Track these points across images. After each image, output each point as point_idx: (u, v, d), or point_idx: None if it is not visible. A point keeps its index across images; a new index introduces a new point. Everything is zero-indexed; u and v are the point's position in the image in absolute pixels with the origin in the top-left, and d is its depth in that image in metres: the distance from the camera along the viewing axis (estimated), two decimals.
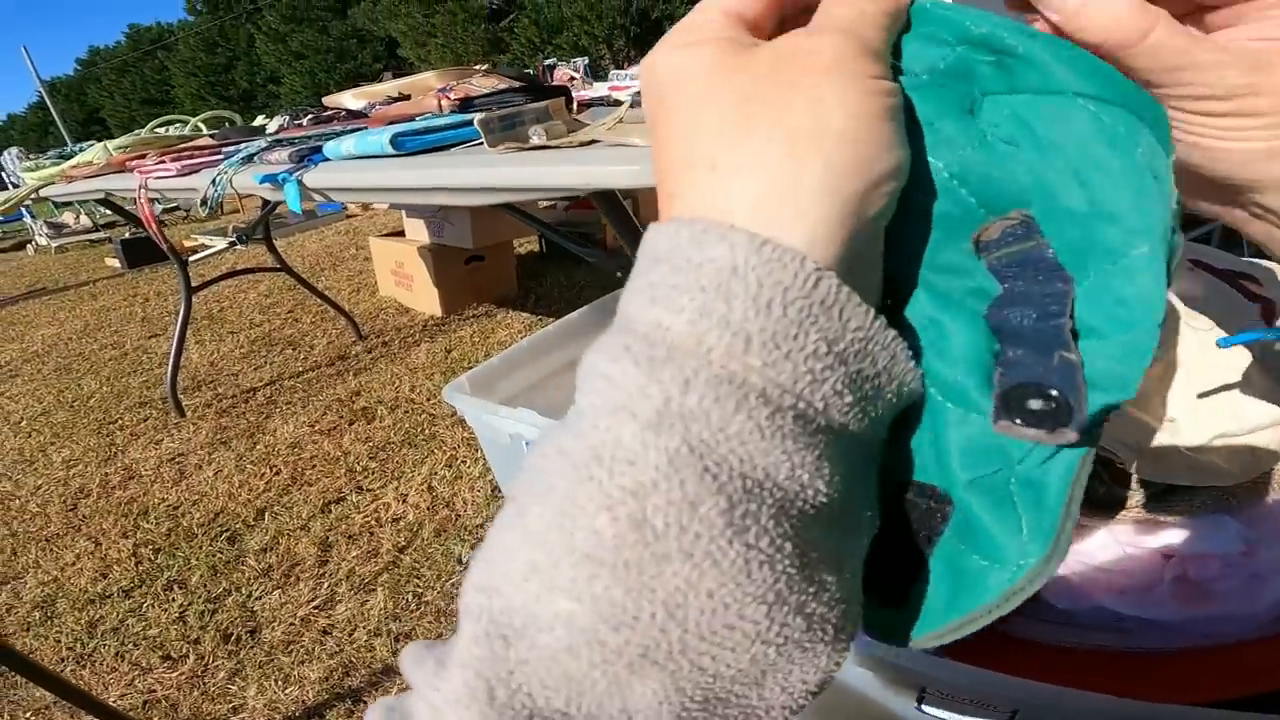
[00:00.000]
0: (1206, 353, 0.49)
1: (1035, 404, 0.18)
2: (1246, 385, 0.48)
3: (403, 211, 3.34)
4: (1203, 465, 0.50)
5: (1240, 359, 0.48)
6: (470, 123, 0.93)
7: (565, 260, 3.62)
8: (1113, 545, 0.57)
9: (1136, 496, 0.55)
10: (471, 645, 0.18)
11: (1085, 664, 0.58)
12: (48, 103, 21.20)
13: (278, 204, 1.09)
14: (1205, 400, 0.49)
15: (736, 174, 0.18)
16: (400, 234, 3.34)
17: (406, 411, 2.18)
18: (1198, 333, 0.50)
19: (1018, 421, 0.18)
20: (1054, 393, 0.18)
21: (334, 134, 1.17)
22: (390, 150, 0.92)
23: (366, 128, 1.19)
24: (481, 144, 0.86)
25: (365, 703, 1.23)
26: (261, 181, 1.03)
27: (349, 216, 6.06)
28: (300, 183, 0.99)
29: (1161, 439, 0.51)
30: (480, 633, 0.18)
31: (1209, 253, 0.56)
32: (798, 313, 0.17)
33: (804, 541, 0.18)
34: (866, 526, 0.21)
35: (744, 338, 0.17)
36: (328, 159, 1.04)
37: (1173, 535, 0.55)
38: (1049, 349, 0.19)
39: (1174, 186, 0.19)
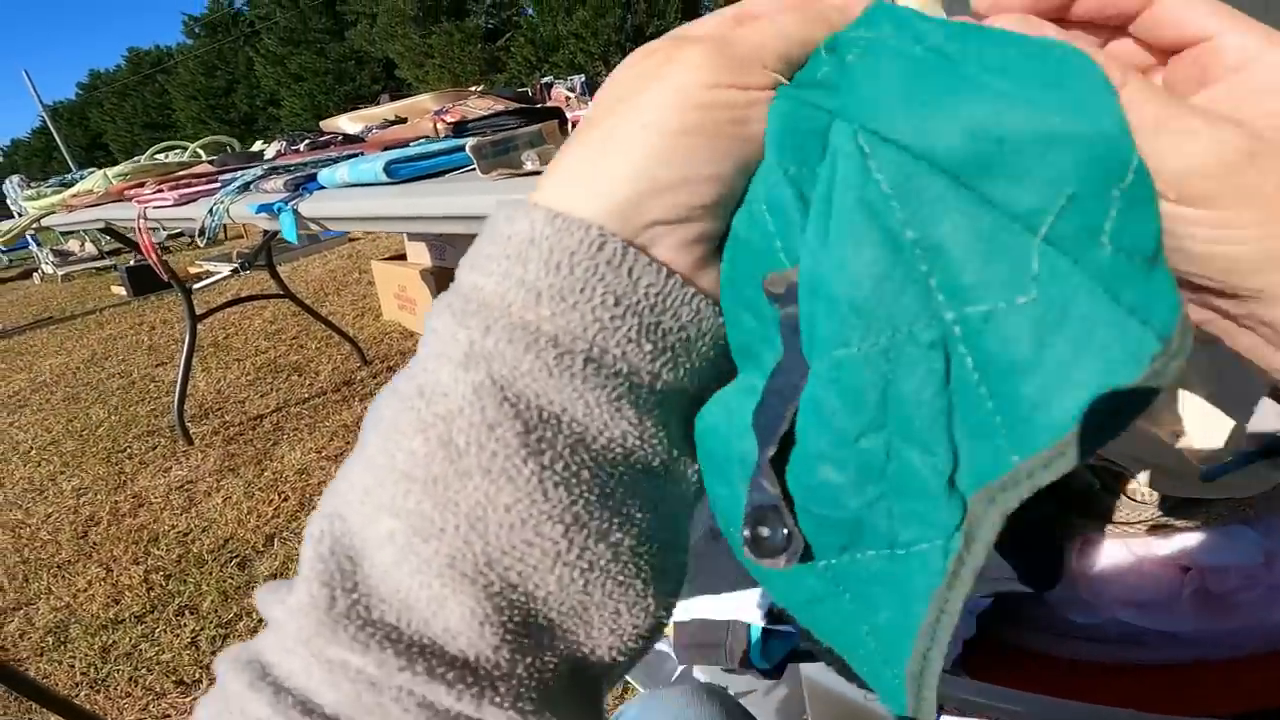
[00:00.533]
0: (1212, 365, 0.48)
1: (765, 531, 0.19)
2: (1254, 396, 0.47)
3: (404, 235, 3.35)
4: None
5: (1246, 370, 0.47)
6: (464, 148, 0.93)
7: None
8: (1129, 558, 0.56)
9: (1151, 509, 0.54)
10: (316, 562, 0.19)
11: (1105, 678, 0.57)
12: (50, 127, 21.40)
13: (276, 232, 1.09)
14: (1212, 413, 0.48)
15: (570, 157, 0.22)
16: (402, 257, 3.35)
17: None
18: (1203, 345, 0.49)
19: (759, 555, 0.19)
20: (774, 525, 0.19)
21: (330, 160, 1.17)
22: (384, 178, 0.92)
23: (363, 153, 1.19)
24: (475, 168, 0.85)
25: None
26: (257, 211, 1.04)
27: (351, 240, 6.09)
28: (296, 212, 0.99)
29: (1172, 452, 0.50)
30: (325, 551, 0.20)
31: None
32: (584, 271, 0.20)
33: (609, 476, 0.20)
34: (689, 476, 0.22)
35: (535, 293, 0.20)
36: (323, 187, 1.04)
37: (1190, 548, 0.54)
38: (758, 470, 0.19)
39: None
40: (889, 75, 0.17)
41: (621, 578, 0.21)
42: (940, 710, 0.61)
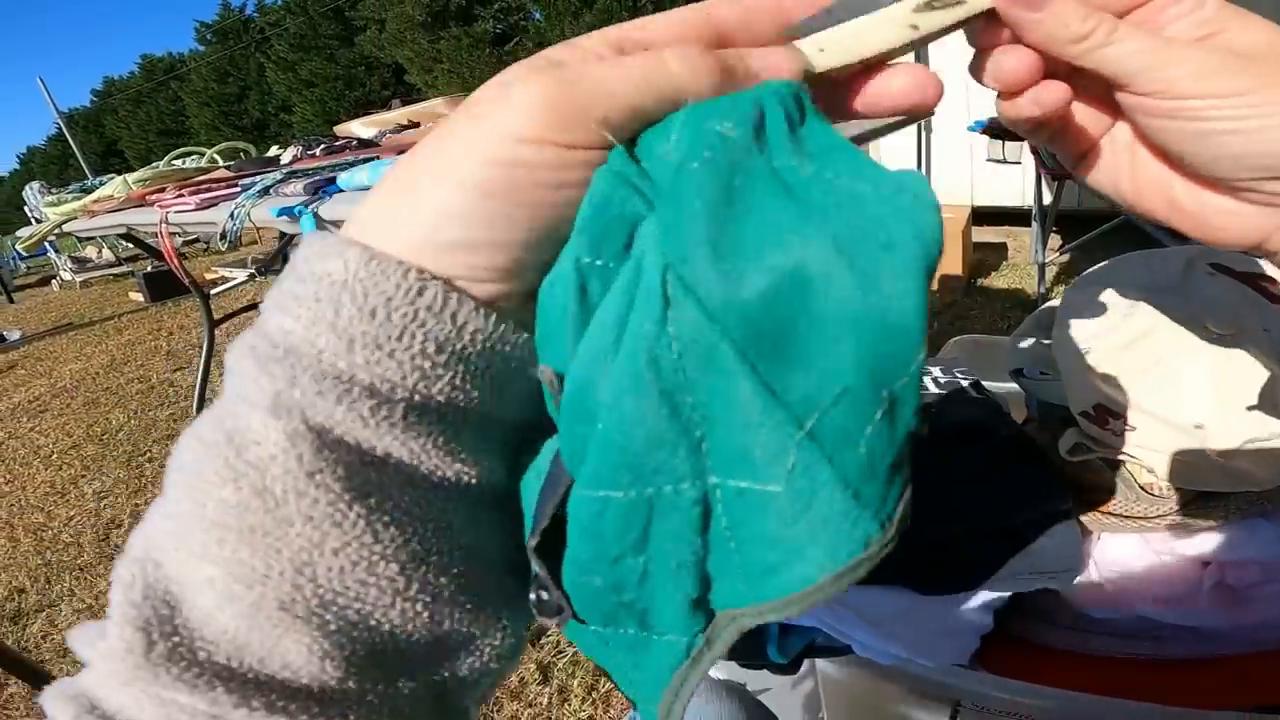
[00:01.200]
0: (1230, 357, 0.48)
1: (544, 595, 0.21)
2: (1273, 388, 0.47)
3: None
4: (1234, 472, 0.50)
5: (1266, 363, 0.47)
6: None
7: None
8: (1149, 553, 0.57)
9: (1170, 503, 0.54)
10: (127, 608, 0.18)
11: (1124, 673, 0.57)
12: (66, 135, 21.65)
13: (294, 235, 1.10)
14: (1230, 405, 0.48)
15: (385, 191, 0.20)
16: None
17: None
18: (1221, 338, 0.49)
19: (539, 611, 0.21)
20: (544, 592, 0.21)
21: (347, 164, 1.19)
22: None
23: (378, 157, 1.21)
24: None
25: None
26: (278, 214, 1.05)
27: None
28: (316, 215, 1.00)
29: (1191, 445, 0.50)
30: (137, 596, 0.18)
31: (1227, 255, 0.55)
32: (401, 317, 0.18)
33: (444, 510, 0.20)
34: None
35: (348, 340, 0.18)
36: (342, 190, 1.05)
37: (1209, 542, 0.55)
38: (530, 549, 0.20)
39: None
40: (715, 197, 0.17)
41: (470, 605, 0.20)
42: (955, 710, 0.61)
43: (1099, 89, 0.24)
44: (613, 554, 0.18)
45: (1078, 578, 0.58)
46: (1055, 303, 0.62)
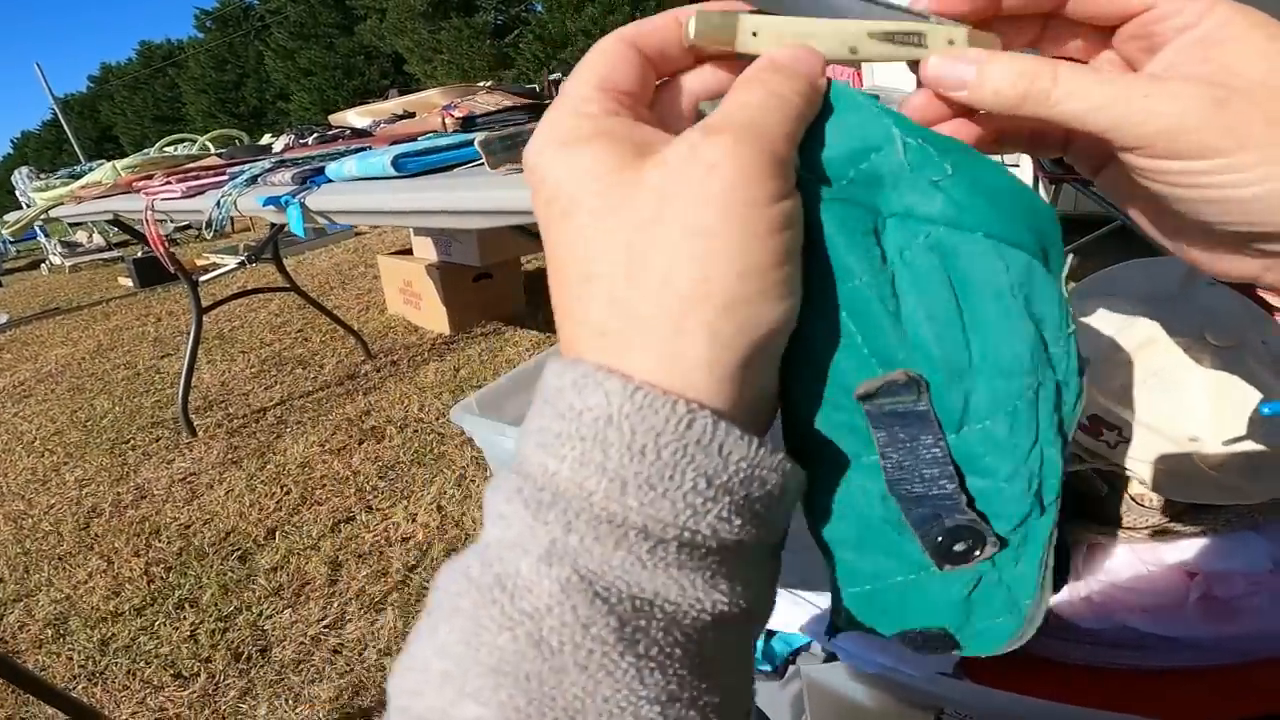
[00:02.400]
0: (1228, 370, 0.48)
1: (959, 547, 0.24)
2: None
3: (410, 229, 3.35)
4: (1227, 485, 0.49)
5: (1263, 376, 0.47)
6: (472, 142, 0.93)
7: None
8: (1136, 564, 0.56)
9: (1156, 515, 0.54)
10: None
11: (1109, 683, 0.57)
12: (61, 120, 21.47)
13: (284, 225, 1.09)
14: (1227, 418, 0.47)
15: (628, 345, 0.19)
16: (408, 252, 3.35)
17: (415, 431, 2.18)
18: (1219, 350, 0.48)
19: (953, 563, 0.24)
20: (968, 539, 0.23)
21: (337, 154, 1.17)
22: (392, 172, 0.92)
23: (371, 147, 1.19)
24: (484, 163, 0.85)
25: None
26: (264, 204, 1.04)
27: (358, 234, 6.10)
28: (303, 205, 0.99)
29: (1185, 458, 0.50)
30: None
31: None
32: (672, 454, 0.18)
33: (700, 644, 0.20)
34: (766, 610, 0.23)
35: (620, 483, 0.18)
36: (330, 180, 1.04)
37: (1198, 553, 0.54)
38: (950, 511, 0.23)
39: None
40: (990, 192, 0.21)
41: None
42: (941, 714, 0.61)
43: None
44: (1027, 446, 0.22)
45: (1064, 587, 0.57)
46: None
